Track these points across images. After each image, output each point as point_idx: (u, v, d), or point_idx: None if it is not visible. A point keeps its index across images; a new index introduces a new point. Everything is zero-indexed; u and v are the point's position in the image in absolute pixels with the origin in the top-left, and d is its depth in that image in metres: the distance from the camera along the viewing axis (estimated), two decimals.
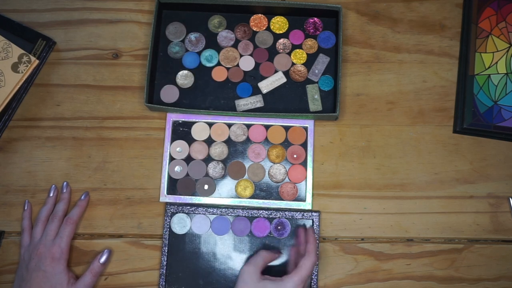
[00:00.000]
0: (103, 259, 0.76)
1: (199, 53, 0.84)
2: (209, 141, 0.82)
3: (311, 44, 0.84)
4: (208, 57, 0.84)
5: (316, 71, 0.83)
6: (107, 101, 0.84)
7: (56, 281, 0.73)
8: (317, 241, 0.77)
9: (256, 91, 0.83)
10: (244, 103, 0.82)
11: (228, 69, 0.84)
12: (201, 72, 0.84)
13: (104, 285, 0.78)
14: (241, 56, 0.84)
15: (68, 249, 0.76)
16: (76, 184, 0.81)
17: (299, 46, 0.84)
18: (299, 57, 0.84)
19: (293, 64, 0.83)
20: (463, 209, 0.80)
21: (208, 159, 0.81)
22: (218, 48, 0.84)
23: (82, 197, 0.80)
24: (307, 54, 0.84)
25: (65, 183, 0.81)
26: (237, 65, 0.84)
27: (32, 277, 0.73)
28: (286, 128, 0.82)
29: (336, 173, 0.81)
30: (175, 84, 0.83)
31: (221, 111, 0.81)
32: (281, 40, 0.84)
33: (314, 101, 0.82)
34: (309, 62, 0.84)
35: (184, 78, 0.83)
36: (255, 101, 0.82)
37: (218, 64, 0.84)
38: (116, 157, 0.82)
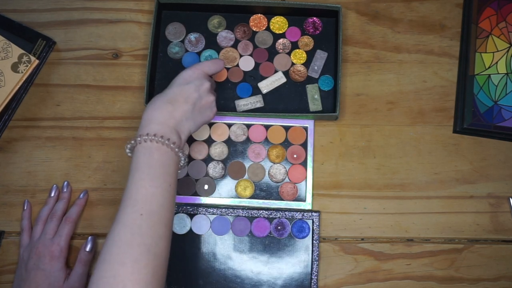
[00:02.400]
0: (88, 247, 0.77)
1: (198, 54, 0.84)
2: (209, 141, 0.82)
3: (307, 42, 0.84)
4: (208, 57, 0.84)
5: (316, 67, 0.83)
6: (107, 101, 0.84)
7: (54, 278, 0.73)
8: None
9: (256, 91, 0.83)
10: (244, 103, 0.82)
11: (227, 69, 0.84)
12: None
13: None
14: (240, 56, 0.84)
15: (67, 248, 0.76)
16: (76, 184, 0.81)
17: (296, 43, 0.84)
18: (298, 57, 0.84)
19: (292, 64, 0.83)
20: (463, 209, 0.80)
21: (208, 159, 0.81)
22: (218, 48, 0.84)
23: (81, 195, 0.80)
24: (306, 54, 0.84)
25: (65, 182, 0.81)
26: (237, 65, 0.84)
27: (31, 276, 0.73)
28: (286, 128, 0.82)
29: (336, 173, 0.81)
30: None
31: (221, 111, 0.81)
32: (280, 40, 0.84)
33: (314, 101, 0.82)
34: (309, 62, 0.84)
35: None
36: (255, 101, 0.82)
37: None
38: (116, 157, 0.82)
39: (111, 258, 0.57)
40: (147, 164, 0.63)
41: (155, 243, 0.59)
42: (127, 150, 0.65)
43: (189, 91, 0.69)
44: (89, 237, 0.77)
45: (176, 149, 0.65)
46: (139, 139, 0.64)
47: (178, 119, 0.67)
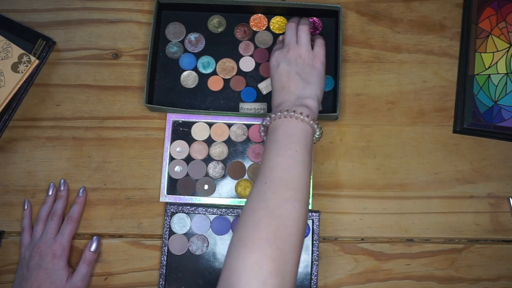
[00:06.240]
0: (93, 247, 0.77)
1: (197, 56, 0.84)
2: (209, 141, 0.82)
3: None
4: (205, 64, 0.84)
5: None
6: (107, 101, 0.84)
7: (56, 277, 0.73)
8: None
9: (260, 96, 0.83)
10: (248, 107, 0.82)
11: (228, 80, 0.83)
12: (200, 73, 0.84)
13: (104, 285, 0.78)
14: (241, 57, 0.84)
15: (69, 247, 0.76)
16: (76, 184, 0.81)
17: None
18: None
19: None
20: (463, 209, 0.80)
21: (208, 159, 0.81)
22: (218, 49, 0.84)
23: (80, 194, 0.80)
24: None
25: (62, 180, 0.81)
26: (237, 74, 0.84)
27: (33, 275, 0.73)
28: None
29: (336, 173, 0.81)
30: (180, 84, 0.83)
31: (221, 111, 0.81)
32: (281, 37, 0.84)
33: None
34: None
35: (190, 78, 0.84)
36: (259, 108, 0.82)
37: (215, 72, 0.84)
38: (116, 157, 0.82)
39: (239, 224, 0.60)
40: (271, 140, 0.65)
41: (278, 205, 0.59)
42: (262, 133, 0.69)
43: (285, 70, 0.70)
44: (94, 237, 0.77)
45: (302, 117, 0.66)
46: (264, 122, 0.68)
47: (297, 92, 0.69)
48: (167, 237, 0.79)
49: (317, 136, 0.68)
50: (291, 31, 0.73)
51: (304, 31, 0.73)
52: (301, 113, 0.65)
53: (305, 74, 0.70)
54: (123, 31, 0.86)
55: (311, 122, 0.66)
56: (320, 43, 0.73)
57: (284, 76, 0.70)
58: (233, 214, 0.79)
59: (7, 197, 0.81)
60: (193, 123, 0.82)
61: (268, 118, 0.67)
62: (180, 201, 0.80)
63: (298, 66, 0.71)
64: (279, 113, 0.66)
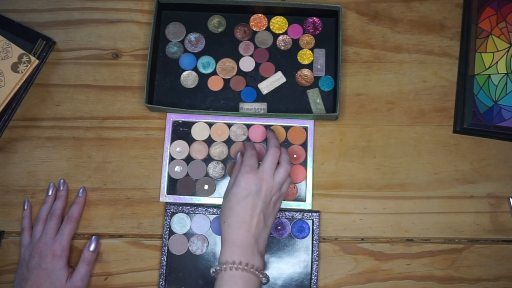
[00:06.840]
0: (92, 247, 0.77)
1: (197, 56, 0.84)
2: (209, 141, 0.82)
3: (308, 40, 0.84)
4: (205, 64, 0.84)
5: (319, 66, 0.83)
6: (107, 101, 0.84)
7: (55, 277, 0.73)
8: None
9: (260, 96, 0.83)
10: (248, 107, 0.82)
11: (228, 80, 0.83)
12: (200, 73, 0.84)
13: (104, 285, 0.78)
14: (241, 57, 0.84)
15: (68, 247, 0.76)
16: (76, 184, 0.81)
17: (297, 40, 0.84)
18: (306, 58, 0.83)
19: (299, 68, 0.83)
20: (463, 209, 0.80)
21: (208, 159, 0.81)
22: (218, 49, 0.84)
23: (80, 193, 0.80)
24: (312, 52, 0.83)
25: (61, 180, 0.81)
26: (237, 74, 0.84)
27: (33, 275, 0.73)
28: (286, 128, 0.82)
29: (336, 173, 0.81)
30: (180, 84, 0.83)
31: (221, 111, 0.81)
32: (281, 37, 0.84)
33: (317, 105, 0.82)
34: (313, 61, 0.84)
35: (190, 78, 0.84)
36: (259, 108, 0.82)
37: (215, 72, 0.84)
38: (116, 157, 0.82)
39: None
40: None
41: None
42: (212, 273, 0.69)
43: (251, 204, 0.69)
44: (93, 237, 0.77)
45: (260, 275, 0.68)
46: (224, 266, 0.67)
47: (256, 235, 0.69)
48: (167, 237, 0.79)
49: (264, 282, 0.69)
50: (273, 158, 0.72)
51: (285, 169, 0.72)
52: (258, 269, 0.68)
53: (267, 215, 0.71)
54: (123, 31, 0.86)
55: (261, 277, 0.68)
56: (288, 181, 0.74)
57: (249, 210, 0.69)
58: None
59: (7, 197, 0.81)
60: (193, 123, 0.82)
61: (219, 268, 0.67)
62: (180, 201, 0.80)
63: (265, 204, 0.70)
64: (242, 266, 0.67)
